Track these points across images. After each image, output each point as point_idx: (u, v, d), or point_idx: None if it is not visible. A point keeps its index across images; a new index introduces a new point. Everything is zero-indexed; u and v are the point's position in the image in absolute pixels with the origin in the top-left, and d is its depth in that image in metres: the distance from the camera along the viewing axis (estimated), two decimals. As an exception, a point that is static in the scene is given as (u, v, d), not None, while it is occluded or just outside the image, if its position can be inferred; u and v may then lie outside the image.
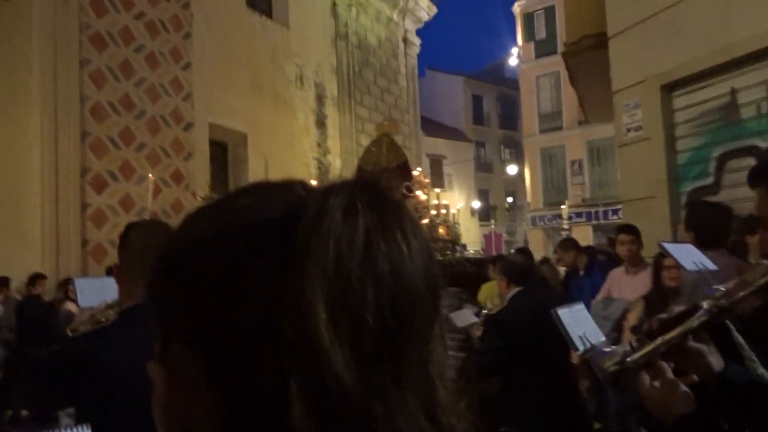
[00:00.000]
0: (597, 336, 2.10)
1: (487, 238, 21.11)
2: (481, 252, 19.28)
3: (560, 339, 2.28)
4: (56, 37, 10.07)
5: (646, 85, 5.65)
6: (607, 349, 1.29)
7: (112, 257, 10.24)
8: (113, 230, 10.68)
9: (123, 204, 10.93)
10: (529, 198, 27.89)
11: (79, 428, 1.44)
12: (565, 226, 19.48)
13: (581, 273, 6.32)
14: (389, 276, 0.40)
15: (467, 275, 5.39)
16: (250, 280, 0.40)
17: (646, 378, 1.11)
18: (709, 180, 5.19)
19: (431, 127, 27.86)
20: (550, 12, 26.40)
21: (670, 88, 5.52)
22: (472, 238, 23.40)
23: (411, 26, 21.39)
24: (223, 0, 13.51)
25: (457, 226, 10.66)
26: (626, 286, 4.57)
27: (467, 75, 33.21)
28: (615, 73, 6.09)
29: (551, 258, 8.91)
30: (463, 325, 4.30)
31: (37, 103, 9.90)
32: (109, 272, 8.33)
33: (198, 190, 12.36)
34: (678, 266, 2.94)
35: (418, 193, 10.22)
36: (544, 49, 26.84)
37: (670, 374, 1.12)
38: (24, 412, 5.37)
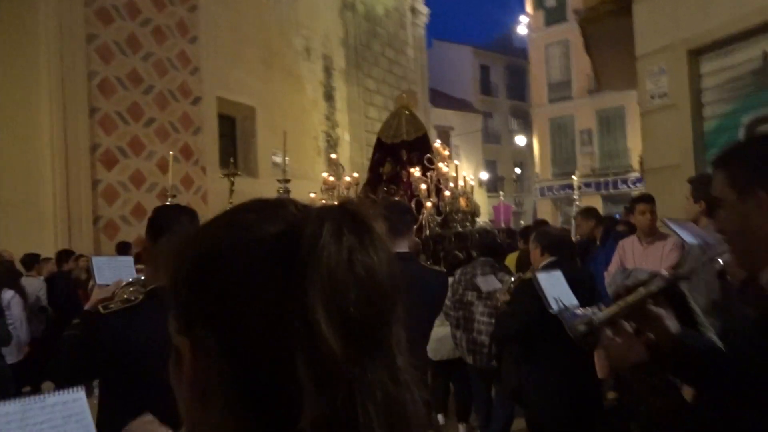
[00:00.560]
0: (570, 300, 2.23)
1: (496, 209, 21.00)
2: (490, 224, 19.20)
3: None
4: (62, 12, 9.91)
5: (673, 50, 5.48)
6: (579, 312, 1.55)
7: (124, 233, 10.23)
8: (124, 206, 10.65)
9: (133, 180, 10.87)
10: (537, 169, 27.69)
11: (71, 390, 1.38)
12: (575, 197, 19.34)
13: (597, 243, 6.23)
14: (365, 280, 0.56)
15: (498, 245, 5.31)
16: (263, 282, 0.55)
17: (608, 333, 1.31)
18: (739, 147, 5.06)
19: (439, 98, 27.57)
20: (559, -22, 25.89)
21: (697, 53, 5.35)
22: (480, 210, 23.26)
23: (418, -5, 21.03)
24: (229, -30, 13.26)
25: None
26: (640, 257, 4.49)
27: (475, 45, 32.74)
28: (639, 38, 5.91)
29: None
30: (488, 290, 4.28)
31: (44, 79, 9.79)
32: (120, 248, 8.31)
33: (207, 165, 12.30)
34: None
35: (440, 165, 10.11)
36: (553, 17, 26.36)
37: (628, 330, 1.31)
38: (46, 386, 5.43)
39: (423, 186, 9.33)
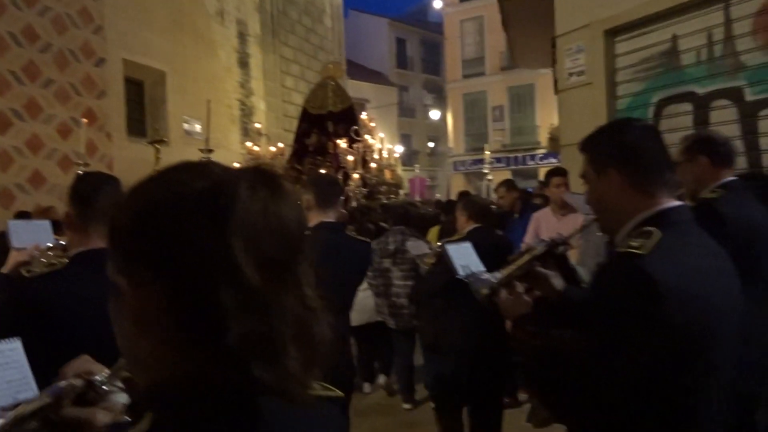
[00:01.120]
0: (477, 267, 2.40)
1: (411, 182, 21.23)
2: (405, 197, 19.42)
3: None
4: (-57, -45, 8.90)
5: (590, 30, 5.68)
6: (484, 277, 1.72)
7: (21, 202, 9.51)
8: (20, 173, 9.87)
9: (30, 145, 10.07)
10: (451, 143, 28.23)
11: (7, 340, 1.37)
12: (486, 171, 19.90)
13: (516, 216, 6.45)
14: (277, 226, 0.68)
15: (409, 215, 5.50)
16: (193, 229, 0.65)
17: (503, 292, 1.60)
18: (648, 125, 5.34)
19: (355, 70, 27.34)
20: (475, -46, 26.16)
21: (613, 33, 5.57)
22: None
23: (336, -38, 20.62)
24: None
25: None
26: (554, 228, 4.67)
27: (391, 17, 32.64)
28: (559, 17, 6.08)
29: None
30: (417, 254, 4.53)
31: (-76, 30, 8.81)
32: (19, 216, 7.73)
33: (113, 131, 11.59)
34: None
35: (366, 137, 10.10)
36: (469, -8, 26.71)
37: (519, 288, 1.59)
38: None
39: (350, 158, 9.31)
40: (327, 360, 0.71)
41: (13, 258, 2.28)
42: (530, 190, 10.66)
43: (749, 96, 4.58)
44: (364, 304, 5.25)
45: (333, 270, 2.56)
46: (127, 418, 0.80)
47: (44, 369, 1.55)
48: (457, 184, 26.36)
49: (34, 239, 2.38)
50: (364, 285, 5.16)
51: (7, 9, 9.75)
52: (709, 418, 1.32)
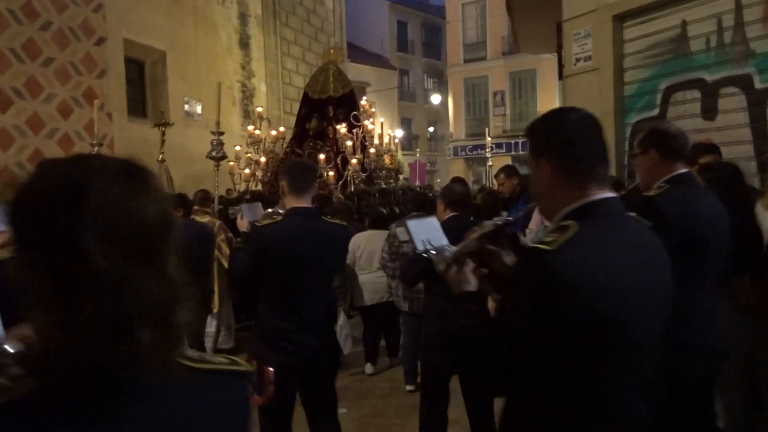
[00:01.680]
0: (440, 242, 2.38)
1: (411, 167, 21.17)
2: (405, 181, 19.40)
3: None
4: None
5: (598, 15, 5.64)
6: (445, 253, 1.77)
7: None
8: (21, 152, 9.82)
9: (31, 124, 10.00)
10: (451, 128, 28.12)
11: None
12: (487, 156, 19.85)
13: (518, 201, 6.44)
14: (136, 217, 0.76)
15: (427, 199, 5.57)
16: (52, 218, 0.73)
17: (453, 268, 1.62)
18: (655, 111, 5.32)
19: (355, 52, 27.15)
20: (478, -63, 25.89)
21: (621, 19, 5.53)
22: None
23: (338, -57, 20.40)
24: None
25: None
26: None
27: (392, 0, 32.34)
28: (566, 1, 6.03)
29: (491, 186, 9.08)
30: (403, 239, 4.69)
31: None
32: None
33: (114, 110, 11.51)
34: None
35: (366, 122, 10.10)
36: (471, -25, 26.45)
37: (468, 266, 1.62)
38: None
39: (348, 142, 9.30)
40: (190, 338, 0.81)
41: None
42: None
43: (758, 84, 4.56)
44: (376, 284, 5.52)
45: (306, 252, 3.03)
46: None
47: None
48: (457, 169, 26.31)
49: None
50: (376, 265, 5.42)
51: (6, -15, 9.64)
52: (623, 401, 1.39)
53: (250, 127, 11.38)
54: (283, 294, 3.02)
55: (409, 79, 32.94)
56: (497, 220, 1.74)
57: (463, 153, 27.07)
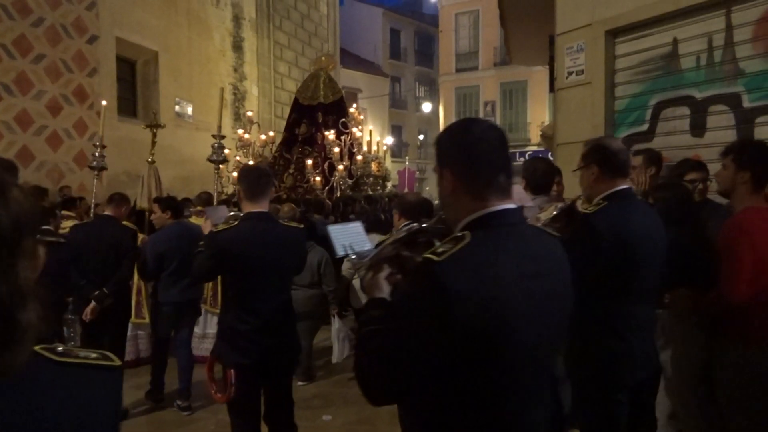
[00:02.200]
0: (362, 246, 2.47)
1: (401, 174, 21.19)
2: (394, 188, 19.42)
3: None
4: None
5: (592, 30, 5.70)
6: (365, 258, 1.78)
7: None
8: (9, 149, 9.72)
9: (19, 121, 9.92)
10: (441, 137, 28.19)
11: None
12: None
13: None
14: None
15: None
16: None
17: (369, 273, 1.68)
18: (644, 127, 5.38)
19: (348, 58, 27.21)
20: (473, -52, 26.07)
21: (614, 34, 5.59)
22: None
23: (333, -51, 20.44)
24: None
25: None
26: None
27: (386, 7, 32.48)
28: (560, 15, 6.09)
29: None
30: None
31: None
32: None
33: (104, 110, 11.43)
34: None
35: (354, 130, 10.18)
36: (465, -14, 26.62)
37: (381, 272, 1.66)
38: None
39: (336, 149, 9.37)
40: (39, 338, 0.84)
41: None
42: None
43: (747, 102, 4.63)
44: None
45: (262, 255, 3.21)
46: None
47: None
48: (446, 178, 26.38)
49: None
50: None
51: (-2, -20, 9.57)
52: (518, 407, 1.43)
53: (240, 131, 11.39)
54: (241, 295, 3.12)
55: (401, 86, 33.05)
56: (411, 227, 1.77)
57: (453, 161, 27.15)
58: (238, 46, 15.90)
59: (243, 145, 10.95)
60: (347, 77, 26.04)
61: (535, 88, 24.68)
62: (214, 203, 6.32)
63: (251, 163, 10.64)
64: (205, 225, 3.62)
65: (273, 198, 9.21)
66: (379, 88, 29.85)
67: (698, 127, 4.97)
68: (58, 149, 10.55)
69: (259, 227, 3.12)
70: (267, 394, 3.28)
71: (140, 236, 5.62)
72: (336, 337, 5.68)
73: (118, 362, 0.93)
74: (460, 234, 1.41)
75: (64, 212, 6.35)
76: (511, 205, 1.49)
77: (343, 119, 10.27)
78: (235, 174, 10.45)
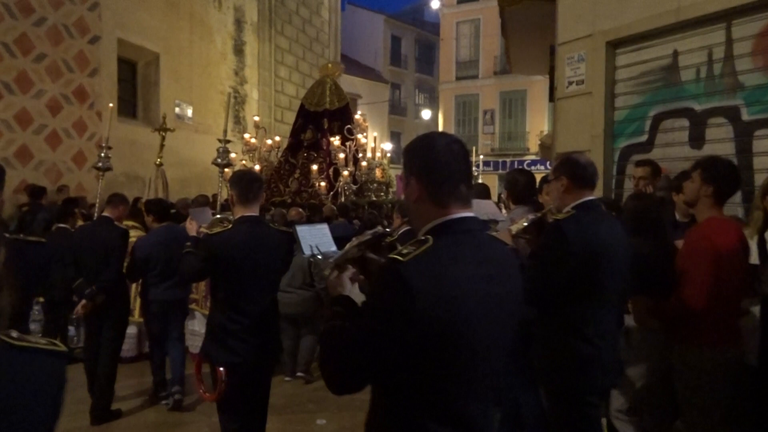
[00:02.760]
0: (328, 248, 2.71)
1: (399, 179, 21.23)
2: (393, 195, 19.44)
3: None
4: None
5: (593, 40, 5.72)
6: (330, 259, 1.87)
7: (8, 177, 9.34)
8: (7, 147, 9.72)
9: (19, 119, 9.91)
10: (440, 144, 28.24)
11: None
12: (475, 174, 19.93)
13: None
14: None
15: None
16: None
17: (334, 272, 1.77)
18: (644, 138, 5.40)
19: (348, 64, 27.22)
20: (475, -43, 26.20)
21: (615, 45, 5.62)
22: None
23: (336, -45, 20.51)
24: None
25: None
26: None
27: (388, 14, 32.58)
28: (562, 25, 6.12)
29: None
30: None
31: None
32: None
33: (104, 110, 11.44)
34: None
35: (359, 136, 10.25)
36: (466, -5, 26.74)
37: (346, 272, 1.76)
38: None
39: (341, 155, 9.43)
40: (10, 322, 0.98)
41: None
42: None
43: (745, 116, 4.65)
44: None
45: (253, 257, 3.36)
46: None
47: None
48: (444, 185, 26.39)
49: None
50: None
51: (2, -21, 9.59)
52: (470, 404, 1.53)
53: (246, 135, 11.50)
54: (232, 296, 3.21)
55: (401, 93, 33.11)
56: (376, 231, 1.89)
57: (451, 169, 27.17)
58: (239, 50, 15.93)
59: (249, 150, 11.06)
60: (347, 83, 26.07)
61: (535, 98, 24.75)
62: (218, 207, 6.39)
63: (257, 167, 10.73)
64: (190, 226, 3.77)
65: (279, 202, 9.32)
66: (379, 95, 29.90)
67: (697, 139, 4.99)
68: (57, 148, 10.55)
69: (252, 231, 3.23)
70: (250, 391, 3.36)
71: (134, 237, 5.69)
72: None
73: (63, 348, 1.04)
74: (423, 238, 1.53)
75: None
76: (470, 214, 1.61)
77: (349, 126, 10.35)
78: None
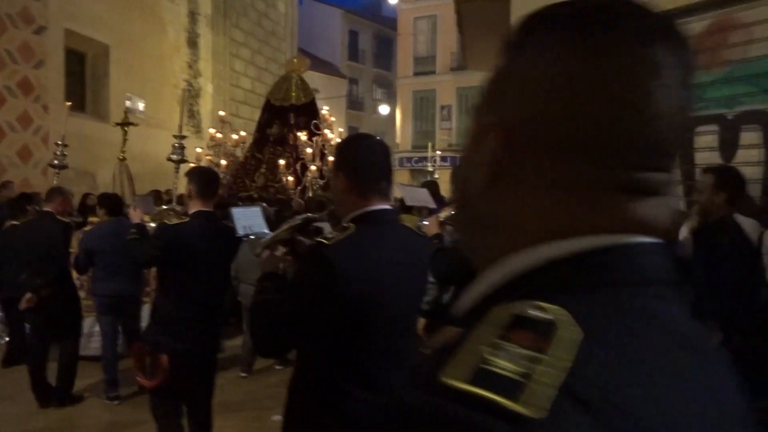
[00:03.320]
0: (260, 229, 2.97)
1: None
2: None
3: None
4: None
5: (544, 38, 5.82)
6: (262, 239, 2.11)
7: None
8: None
9: (-41, 112, 9.52)
10: (398, 139, 28.36)
11: None
12: (431, 169, 20.06)
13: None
14: None
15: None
16: None
17: (266, 252, 1.98)
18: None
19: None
20: (432, -47, 26.30)
21: (566, 43, 5.73)
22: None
23: (293, -52, 20.30)
24: None
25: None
26: None
27: (346, 9, 32.47)
28: (516, 21, 6.20)
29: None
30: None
31: None
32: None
33: (50, 103, 11.07)
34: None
35: (326, 131, 10.29)
36: (424, -10, 26.82)
37: (278, 251, 1.97)
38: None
39: (308, 150, 9.50)
40: None
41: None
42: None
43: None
44: None
45: (206, 249, 3.54)
46: None
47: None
48: (402, 180, 26.52)
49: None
50: None
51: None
52: (382, 368, 1.71)
53: (211, 130, 11.43)
54: (182, 285, 3.36)
55: (359, 88, 33.08)
56: (305, 217, 2.11)
57: (409, 164, 27.31)
58: (193, 42, 15.63)
59: (215, 145, 10.99)
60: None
61: (491, 94, 25.01)
62: (174, 202, 6.34)
63: (224, 162, 10.68)
64: (134, 214, 3.98)
65: (245, 197, 9.25)
66: (337, 89, 29.80)
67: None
68: (1, 142, 10.17)
69: (207, 225, 3.41)
70: (193, 380, 3.44)
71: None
72: None
73: None
74: (346, 225, 1.75)
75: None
76: (388, 207, 1.85)
77: (315, 121, 10.42)
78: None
